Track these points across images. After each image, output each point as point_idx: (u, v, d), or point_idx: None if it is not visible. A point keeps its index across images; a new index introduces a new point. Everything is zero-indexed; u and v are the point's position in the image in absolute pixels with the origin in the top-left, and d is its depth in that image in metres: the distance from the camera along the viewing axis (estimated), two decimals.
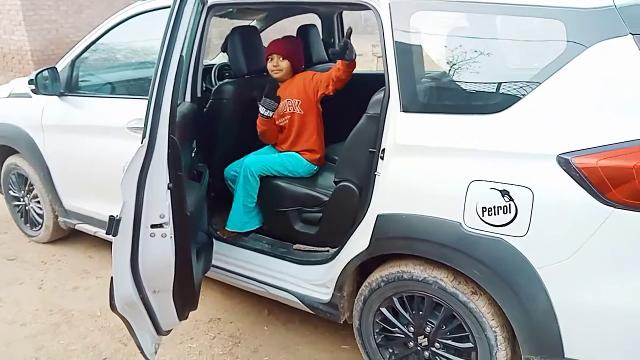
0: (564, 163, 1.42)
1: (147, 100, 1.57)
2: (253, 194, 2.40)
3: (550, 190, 1.46)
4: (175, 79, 1.55)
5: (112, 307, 1.64)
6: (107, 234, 1.54)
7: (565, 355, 1.54)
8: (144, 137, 1.54)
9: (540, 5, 1.51)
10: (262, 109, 2.31)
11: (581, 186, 1.41)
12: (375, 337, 2.01)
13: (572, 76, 1.45)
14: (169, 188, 1.58)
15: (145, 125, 1.54)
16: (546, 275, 1.50)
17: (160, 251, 1.59)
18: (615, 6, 1.41)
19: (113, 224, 1.52)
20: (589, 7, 1.43)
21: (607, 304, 1.46)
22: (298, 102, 2.43)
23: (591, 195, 1.40)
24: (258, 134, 2.46)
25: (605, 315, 1.48)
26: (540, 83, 1.49)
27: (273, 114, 2.34)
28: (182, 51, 1.59)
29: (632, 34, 1.38)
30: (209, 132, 2.44)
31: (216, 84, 2.90)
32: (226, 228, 2.44)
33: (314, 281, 2.13)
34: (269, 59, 2.47)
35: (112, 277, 1.61)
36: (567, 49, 1.46)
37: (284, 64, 2.45)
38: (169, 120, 1.56)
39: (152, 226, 1.57)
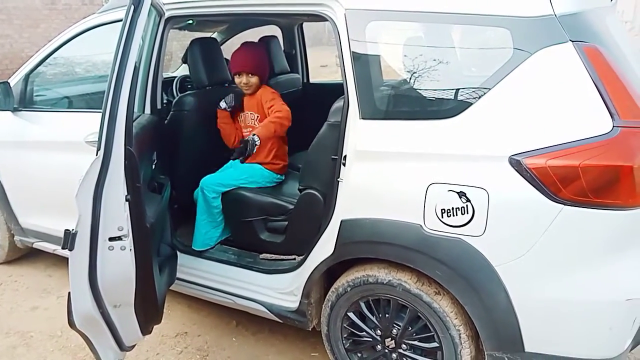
0: (516, 164, 1.49)
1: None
2: (216, 211, 2.40)
3: (504, 190, 1.52)
4: (130, 90, 1.54)
5: (71, 323, 1.59)
6: (62, 248, 1.51)
7: (526, 350, 1.60)
8: (98, 149, 1.52)
9: (488, 15, 1.57)
10: (222, 103, 2.43)
11: (532, 185, 1.47)
12: (344, 342, 2.02)
13: (519, 81, 1.52)
14: (127, 200, 1.56)
15: (100, 137, 1.52)
16: (504, 272, 1.55)
17: (119, 264, 1.56)
18: (555, 15, 1.49)
19: (69, 238, 1.49)
20: (532, 16, 1.51)
21: (561, 298, 1.53)
22: (257, 116, 2.47)
23: (542, 193, 1.47)
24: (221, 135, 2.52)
25: (560, 308, 1.54)
26: (490, 88, 1.56)
27: (229, 109, 2.46)
28: (137, 62, 1.58)
29: (572, 41, 1.47)
30: (170, 144, 2.41)
31: (177, 96, 2.87)
32: (194, 248, 2.40)
33: (281, 289, 2.12)
34: (238, 75, 2.46)
35: (69, 293, 1.57)
36: (514, 55, 1.53)
37: (254, 79, 2.45)
38: (125, 132, 1.54)
39: (111, 239, 1.54)
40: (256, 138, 2.23)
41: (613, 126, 1.42)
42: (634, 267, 1.53)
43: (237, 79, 2.48)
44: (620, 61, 1.54)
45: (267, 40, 3.07)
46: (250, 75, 2.44)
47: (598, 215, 1.44)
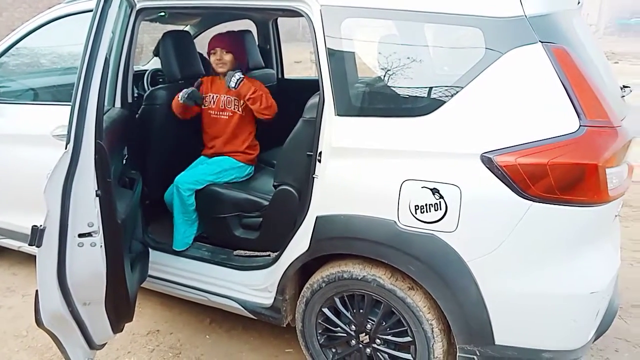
0: (487, 161, 1.52)
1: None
2: (191, 208, 2.37)
3: (476, 187, 1.55)
4: (100, 83, 1.50)
5: (38, 322, 1.55)
6: (30, 244, 1.46)
7: (496, 342, 1.64)
8: (68, 142, 1.48)
9: (461, 14, 1.60)
10: (182, 93, 2.31)
11: (503, 182, 1.51)
12: (318, 338, 2.03)
13: (491, 80, 1.55)
14: (97, 195, 1.52)
15: (70, 130, 1.48)
16: (475, 267, 1.59)
17: (89, 261, 1.53)
18: (525, 16, 1.53)
19: (37, 234, 1.45)
20: (504, 16, 1.55)
21: (530, 292, 1.57)
22: (243, 102, 2.43)
23: (512, 190, 1.50)
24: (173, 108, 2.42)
25: (528, 302, 1.59)
26: (462, 87, 1.59)
27: (191, 104, 2.38)
28: (107, 54, 1.54)
29: (541, 42, 1.51)
30: (141, 138, 2.36)
31: (149, 90, 2.82)
32: (174, 248, 2.36)
33: (255, 286, 2.11)
34: (212, 53, 2.45)
35: (37, 291, 1.52)
36: (486, 55, 1.56)
37: (228, 57, 2.45)
38: (96, 125, 1.50)
39: (80, 235, 1.51)
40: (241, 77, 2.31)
41: (580, 125, 1.47)
42: (598, 261, 1.60)
43: (211, 57, 2.47)
44: (587, 62, 1.59)
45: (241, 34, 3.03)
46: (224, 52, 2.43)
47: (565, 212, 1.49)
